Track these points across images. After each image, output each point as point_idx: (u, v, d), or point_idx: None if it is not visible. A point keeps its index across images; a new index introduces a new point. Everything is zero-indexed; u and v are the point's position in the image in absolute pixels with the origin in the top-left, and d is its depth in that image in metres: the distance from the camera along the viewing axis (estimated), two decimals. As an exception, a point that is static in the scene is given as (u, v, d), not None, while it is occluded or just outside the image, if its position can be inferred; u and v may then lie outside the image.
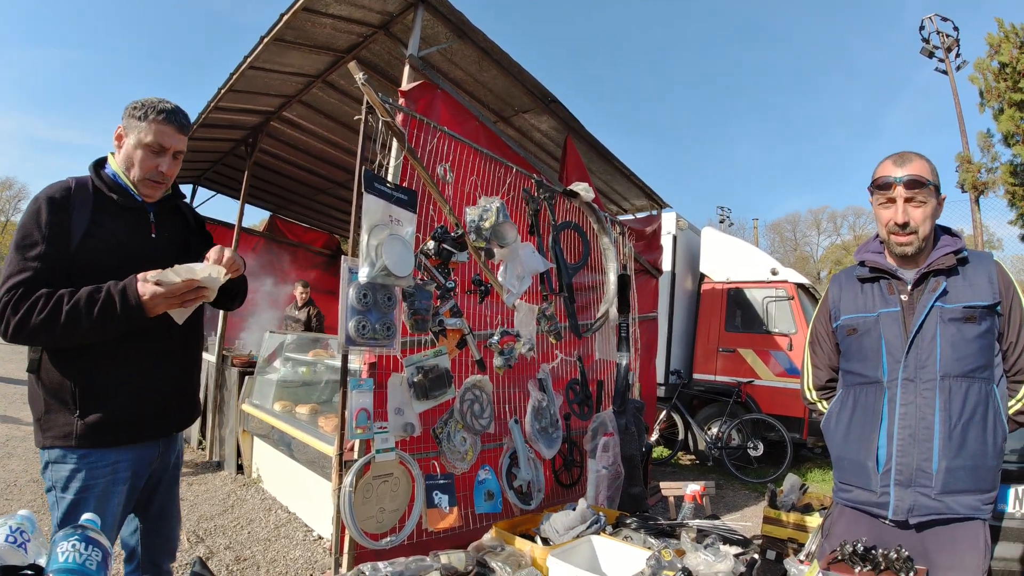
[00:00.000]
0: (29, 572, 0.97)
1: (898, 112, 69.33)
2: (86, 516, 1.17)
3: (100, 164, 1.93)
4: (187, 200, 2.16)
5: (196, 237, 2.12)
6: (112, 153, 1.95)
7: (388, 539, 2.35)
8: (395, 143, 2.74)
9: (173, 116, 1.93)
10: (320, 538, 4.30)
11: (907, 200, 1.87)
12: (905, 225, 1.86)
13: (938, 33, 13.25)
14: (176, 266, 1.72)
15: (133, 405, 1.87)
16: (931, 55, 13.40)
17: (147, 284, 1.70)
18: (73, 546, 1.03)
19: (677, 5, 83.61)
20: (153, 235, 1.94)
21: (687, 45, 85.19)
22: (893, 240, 1.90)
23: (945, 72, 13.20)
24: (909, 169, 1.88)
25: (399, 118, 2.84)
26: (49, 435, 1.78)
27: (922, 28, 13.35)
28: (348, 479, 2.21)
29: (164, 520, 2.13)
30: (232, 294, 2.13)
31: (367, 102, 2.59)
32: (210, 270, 1.76)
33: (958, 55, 13.07)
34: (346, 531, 2.44)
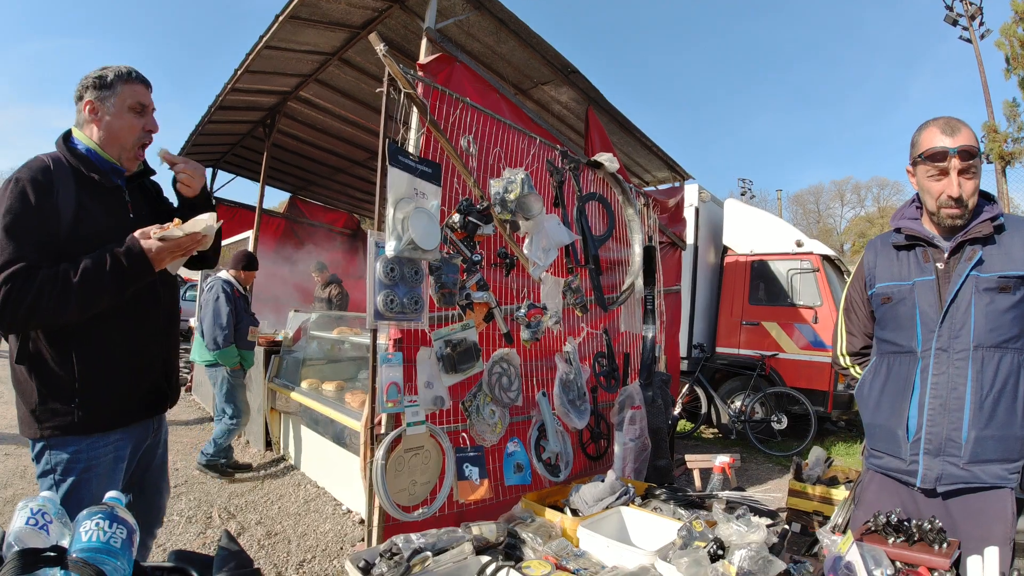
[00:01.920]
0: (51, 554, 0.94)
1: (921, 82, 67.44)
2: (110, 494, 1.14)
3: (67, 139, 1.86)
4: (155, 173, 2.14)
5: (164, 208, 2.11)
6: (74, 128, 1.89)
7: (420, 511, 2.38)
8: (416, 116, 2.72)
9: (139, 74, 1.92)
10: (349, 512, 4.37)
11: (961, 172, 1.80)
12: (959, 199, 1.80)
13: (962, 1, 12.79)
14: (177, 221, 1.75)
15: (129, 387, 1.88)
16: (955, 23, 12.98)
17: (150, 240, 1.71)
18: (97, 524, 1.00)
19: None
20: (131, 215, 1.91)
21: (705, 18, 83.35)
22: (945, 214, 1.84)
23: (969, 40, 12.76)
24: (961, 139, 1.80)
25: (419, 90, 2.81)
26: (47, 426, 1.75)
27: (946, -5, 12.93)
28: (380, 452, 2.23)
29: (158, 495, 2.15)
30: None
31: (388, 74, 2.55)
32: (207, 220, 1.77)
33: (982, 23, 12.63)
34: (377, 504, 2.47)
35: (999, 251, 1.82)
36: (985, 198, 1.91)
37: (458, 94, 2.94)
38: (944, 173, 1.82)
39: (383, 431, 2.45)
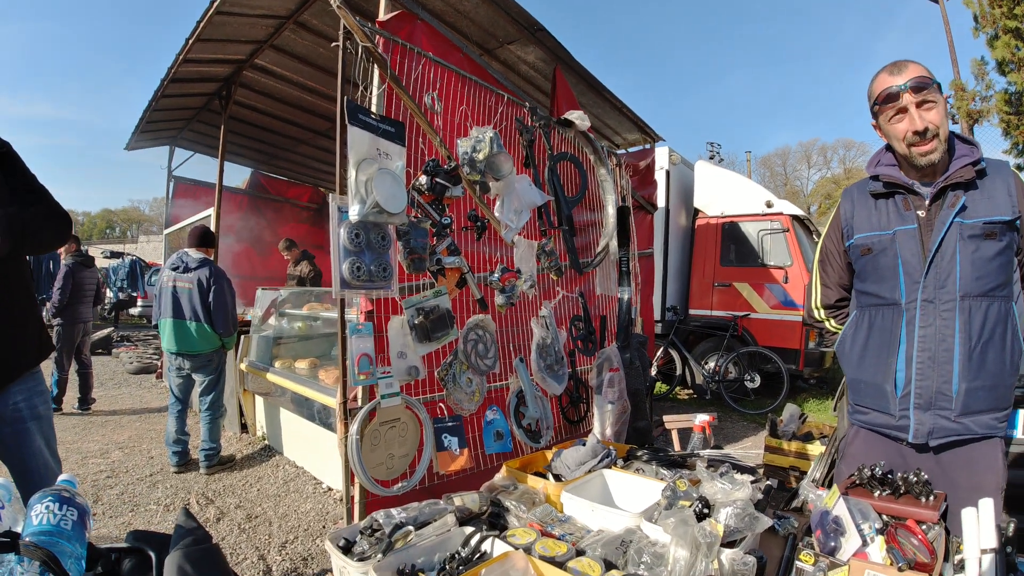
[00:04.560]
0: (4, 539, 0.95)
1: (888, 42, 68.18)
2: (63, 477, 1.15)
3: None
4: None
5: None
6: None
7: (400, 485, 2.31)
8: (376, 74, 2.57)
9: None
10: (330, 490, 4.32)
11: (918, 105, 1.73)
12: (925, 131, 1.73)
13: None
14: None
15: None
16: (922, -20, 12.98)
17: None
18: (47, 507, 1.01)
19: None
20: None
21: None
22: (915, 152, 1.77)
23: (936, 0, 12.82)
24: (908, 74, 1.74)
25: (379, 46, 2.66)
26: None
27: (912, -48, 12.95)
28: (354, 427, 2.15)
29: (26, 477, 2.07)
30: (22, 248, 1.98)
31: (344, 28, 2.40)
32: None
33: None
34: (356, 481, 2.40)
35: (982, 196, 1.76)
36: (965, 142, 1.85)
37: (419, 49, 2.80)
38: (903, 112, 1.76)
39: (358, 405, 2.37)
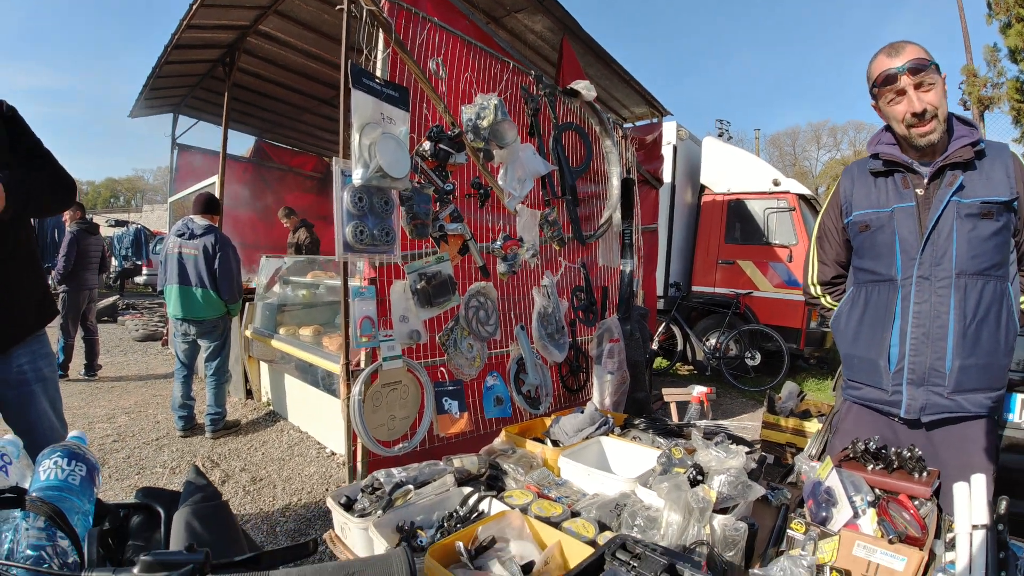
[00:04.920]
0: (10, 495, 0.94)
1: (901, 25, 66.67)
2: (73, 433, 1.14)
3: None
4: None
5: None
6: None
7: (400, 445, 2.36)
8: (382, 39, 2.55)
9: None
10: (333, 454, 4.39)
11: (916, 87, 1.74)
12: (923, 113, 1.74)
13: None
14: None
15: None
16: (938, -37, 12.68)
17: None
18: (55, 463, 1.00)
19: (672, -97, 78.38)
20: None
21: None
22: (915, 132, 1.78)
23: (951, -15, 12.51)
24: (906, 55, 1.75)
25: (384, 9, 2.63)
26: None
27: (929, -67, 12.62)
28: (357, 388, 2.18)
29: (33, 439, 2.07)
30: (26, 209, 1.98)
31: (349, -11, 2.37)
32: None
33: None
34: (359, 442, 2.45)
35: (980, 176, 1.77)
36: (965, 123, 1.85)
37: (425, 14, 2.77)
38: (901, 93, 1.77)
39: (361, 368, 2.40)
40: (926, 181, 1.82)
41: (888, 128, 1.93)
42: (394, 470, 1.89)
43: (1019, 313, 1.82)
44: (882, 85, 1.80)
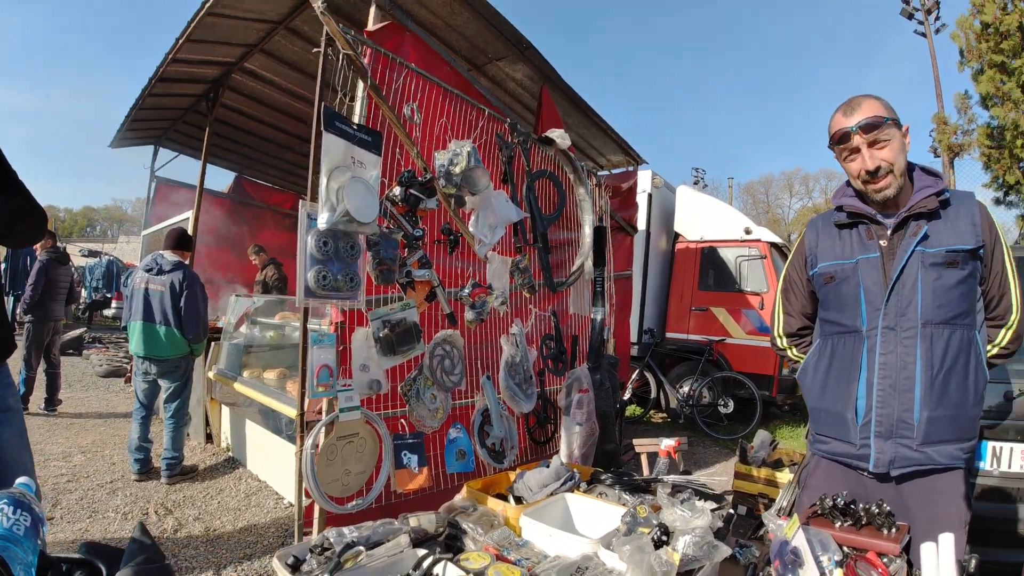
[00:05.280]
0: None
1: (875, 74, 69.87)
2: (20, 480, 1.10)
3: None
4: None
5: None
6: None
7: (355, 502, 2.26)
8: (360, 81, 2.55)
9: None
10: (291, 506, 4.22)
11: (870, 144, 1.76)
12: (876, 171, 1.76)
13: None
14: None
15: None
16: (911, 16, 13.36)
17: None
18: (0, 510, 0.97)
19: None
20: None
21: (663, 2, 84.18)
22: (870, 189, 1.80)
23: (924, 35, 13.17)
24: (860, 114, 1.77)
25: (366, 57, 2.64)
26: None
27: (903, -11, 13.31)
28: (309, 440, 2.09)
29: None
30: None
31: (327, 33, 2.38)
32: None
33: (938, 17, 13.04)
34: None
35: (945, 225, 1.78)
36: (930, 173, 1.87)
37: (403, 60, 2.79)
38: (855, 151, 1.80)
39: (323, 416, 2.31)
40: (890, 232, 1.82)
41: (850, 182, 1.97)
42: (346, 529, 1.80)
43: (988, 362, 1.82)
44: (837, 143, 1.83)
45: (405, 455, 2.35)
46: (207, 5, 4.37)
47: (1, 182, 1.92)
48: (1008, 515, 2.65)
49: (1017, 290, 1.82)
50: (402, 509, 2.02)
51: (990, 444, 2.72)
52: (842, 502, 1.74)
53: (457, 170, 2.56)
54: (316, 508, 2.46)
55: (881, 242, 1.84)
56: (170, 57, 5.29)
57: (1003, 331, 1.84)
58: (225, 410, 5.56)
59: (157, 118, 7.32)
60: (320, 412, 2.50)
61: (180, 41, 4.99)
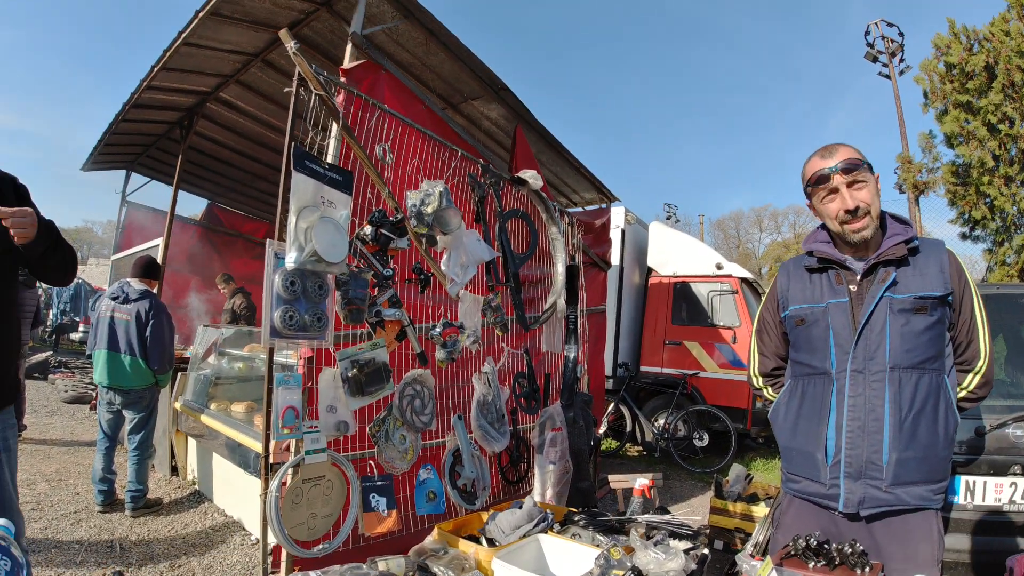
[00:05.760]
0: None
1: (841, 115, 72.30)
2: (0, 522, 1.11)
3: None
4: (13, 178, 2.14)
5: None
6: None
7: (321, 546, 2.19)
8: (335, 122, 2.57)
9: None
10: (258, 542, 4.09)
11: (849, 185, 1.82)
12: (856, 210, 1.80)
13: (883, 38, 13.73)
14: None
15: None
16: (875, 59, 13.89)
17: None
18: None
19: (627, 3, 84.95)
20: None
21: (636, 44, 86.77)
22: (848, 229, 1.83)
23: (888, 77, 13.72)
24: (839, 156, 1.84)
25: (340, 97, 2.66)
26: None
27: (867, 33, 13.87)
28: (274, 483, 2.04)
29: None
30: (43, 262, 2.10)
31: (299, 74, 2.40)
32: None
33: (902, 60, 13.59)
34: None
35: (914, 272, 1.83)
36: (900, 221, 1.93)
37: (378, 101, 2.82)
38: (834, 192, 1.84)
39: (291, 457, 2.26)
40: (859, 277, 1.87)
41: (823, 226, 2.01)
42: (312, 573, 1.76)
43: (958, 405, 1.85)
44: (815, 184, 1.88)
45: (373, 498, 2.30)
46: (183, 35, 4.40)
47: (56, 241, 2.15)
48: (984, 548, 2.68)
49: (986, 336, 1.86)
50: (371, 552, 1.98)
51: (963, 478, 2.76)
52: (815, 542, 1.73)
53: (429, 210, 2.57)
54: (283, 553, 2.39)
55: (851, 287, 1.88)
56: (145, 84, 5.29)
57: (971, 376, 1.88)
58: (191, 442, 5.40)
59: (130, 143, 7.29)
60: (288, 450, 2.44)
61: (156, 69, 5.00)
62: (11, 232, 1.93)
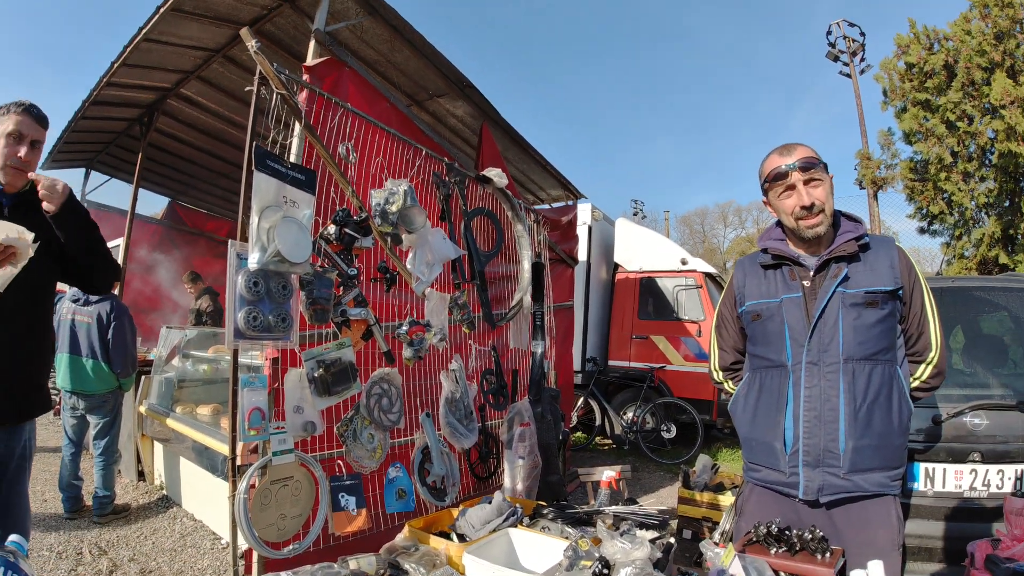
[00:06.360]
0: None
1: (803, 113, 73.89)
2: (12, 538, 1.10)
3: None
4: None
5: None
6: None
7: (291, 547, 2.19)
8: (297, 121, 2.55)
9: (31, 109, 2.09)
10: (228, 546, 4.06)
11: (806, 182, 1.88)
12: (811, 206, 1.87)
13: (845, 38, 14.10)
14: None
15: None
16: (836, 59, 14.27)
17: None
18: None
19: (594, 2, 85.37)
20: None
21: (604, 42, 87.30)
22: (803, 225, 1.91)
23: (849, 76, 14.10)
24: (796, 155, 1.91)
25: (303, 95, 2.64)
26: None
27: (829, 33, 14.25)
28: (242, 485, 2.03)
29: (8, 515, 2.06)
30: (85, 262, 2.21)
31: (260, 73, 2.38)
32: (6, 229, 1.66)
33: (863, 59, 13.97)
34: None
35: (865, 268, 1.91)
36: (851, 219, 2.01)
37: (341, 100, 2.80)
38: (791, 188, 1.92)
39: (259, 459, 2.25)
40: (812, 273, 1.95)
41: (778, 224, 2.08)
42: (284, 574, 1.75)
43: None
44: (773, 180, 1.94)
45: (343, 497, 2.30)
46: (144, 30, 4.31)
47: (104, 255, 2.32)
48: (945, 533, 2.74)
49: (937, 328, 1.95)
50: (342, 551, 1.98)
51: (922, 465, 2.82)
52: (776, 529, 1.79)
53: (393, 209, 2.57)
54: (254, 554, 2.38)
55: (804, 283, 1.96)
56: (104, 80, 5.16)
57: (923, 366, 1.97)
58: (158, 446, 5.31)
59: (89, 141, 7.11)
60: (256, 452, 2.42)
61: (116, 65, 4.88)
62: (40, 194, 2.00)
